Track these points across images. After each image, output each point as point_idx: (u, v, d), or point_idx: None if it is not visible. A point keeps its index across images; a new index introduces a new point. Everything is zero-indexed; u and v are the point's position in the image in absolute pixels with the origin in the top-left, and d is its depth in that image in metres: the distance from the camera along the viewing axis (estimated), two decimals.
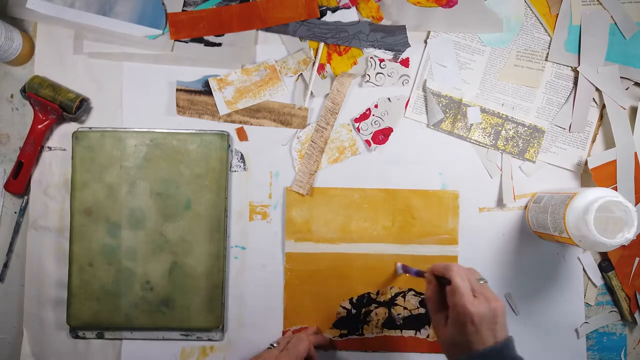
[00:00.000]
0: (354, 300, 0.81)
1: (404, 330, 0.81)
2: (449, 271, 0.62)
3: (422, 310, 0.81)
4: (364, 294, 0.81)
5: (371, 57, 0.81)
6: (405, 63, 0.81)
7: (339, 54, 0.81)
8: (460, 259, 0.80)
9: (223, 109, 0.81)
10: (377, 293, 0.81)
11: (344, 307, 0.81)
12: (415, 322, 0.81)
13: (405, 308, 0.81)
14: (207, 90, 0.81)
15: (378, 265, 0.80)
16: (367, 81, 0.81)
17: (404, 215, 0.81)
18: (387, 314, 0.81)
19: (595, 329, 0.80)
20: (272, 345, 0.76)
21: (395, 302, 0.81)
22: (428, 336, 0.80)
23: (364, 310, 0.81)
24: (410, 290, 0.81)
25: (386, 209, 0.81)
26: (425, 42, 0.81)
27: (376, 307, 0.81)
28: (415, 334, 0.81)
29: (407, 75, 0.81)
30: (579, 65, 0.80)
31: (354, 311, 0.81)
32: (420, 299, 0.80)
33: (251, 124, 0.81)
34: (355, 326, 0.81)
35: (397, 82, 0.81)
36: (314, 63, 0.81)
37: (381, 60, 0.81)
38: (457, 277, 0.61)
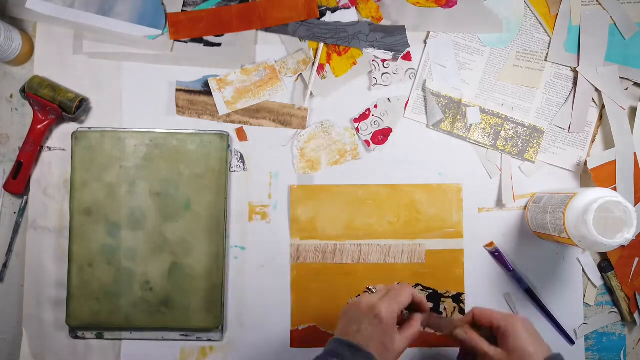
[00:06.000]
0: None
1: None
2: (501, 320, 0.62)
3: (429, 305, 0.80)
4: None
5: (373, 60, 0.81)
6: (408, 57, 0.81)
7: (338, 54, 0.81)
8: (465, 253, 0.80)
9: (223, 109, 0.81)
10: None
11: None
12: None
13: None
14: (206, 91, 0.81)
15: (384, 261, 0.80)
16: (375, 84, 0.81)
17: (409, 210, 0.81)
18: None
19: (595, 329, 0.80)
20: (370, 289, 0.73)
21: None
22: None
23: None
24: (417, 285, 0.80)
25: (391, 204, 0.81)
26: (425, 42, 0.81)
27: None
28: (424, 329, 0.80)
29: (413, 68, 0.81)
30: (578, 65, 0.80)
31: None
32: (427, 293, 0.80)
33: (251, 124, 0.81)
34: None
35: (405, 77, 0.81)
36: (313, 63, 0.81)
37: (383, 61, 0.81)
38: (507, 320, 0.62)
